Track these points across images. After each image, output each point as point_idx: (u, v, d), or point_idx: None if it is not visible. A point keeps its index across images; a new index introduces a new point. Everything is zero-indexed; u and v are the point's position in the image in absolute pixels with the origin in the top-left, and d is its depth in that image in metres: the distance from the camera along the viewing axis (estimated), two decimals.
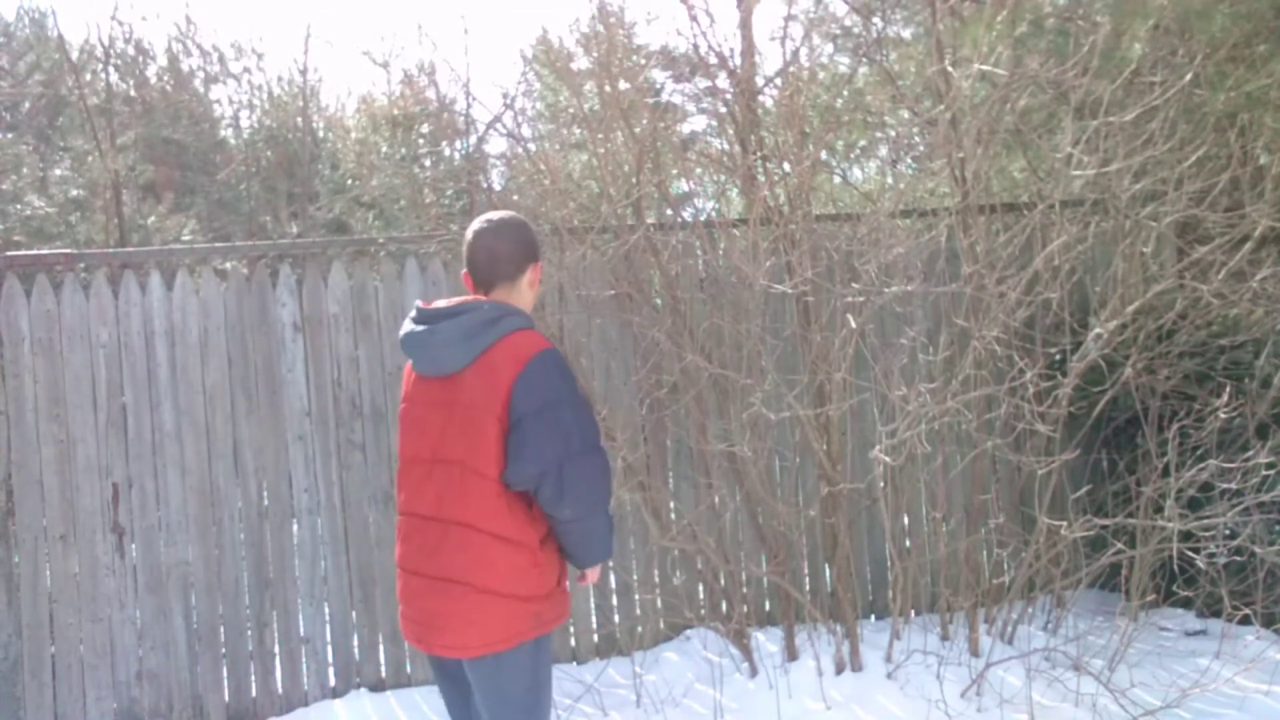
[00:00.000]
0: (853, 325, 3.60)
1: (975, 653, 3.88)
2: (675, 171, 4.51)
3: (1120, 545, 3.58)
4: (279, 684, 4.14)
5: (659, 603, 4.36)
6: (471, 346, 2.25)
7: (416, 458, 2.34)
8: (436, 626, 2.28)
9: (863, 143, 7.56)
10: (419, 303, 2.42)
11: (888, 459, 3.44)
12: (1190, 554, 3.54)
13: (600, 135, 4.22)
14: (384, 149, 10.32)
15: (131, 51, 12.18)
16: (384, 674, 4.23)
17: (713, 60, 4.15)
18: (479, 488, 2.23)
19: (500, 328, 2.26)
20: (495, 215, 2.44)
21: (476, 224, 2.44)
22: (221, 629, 4.11)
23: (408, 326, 2.37)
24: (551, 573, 2.33)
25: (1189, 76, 3.76)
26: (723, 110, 4.33)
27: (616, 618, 4.39)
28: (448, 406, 2.28)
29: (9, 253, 4.26)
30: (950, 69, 3.92)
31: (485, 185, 5.59)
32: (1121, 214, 3.98)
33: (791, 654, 4.00)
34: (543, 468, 2.19)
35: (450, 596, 2.24)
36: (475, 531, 2.23)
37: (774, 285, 3.80)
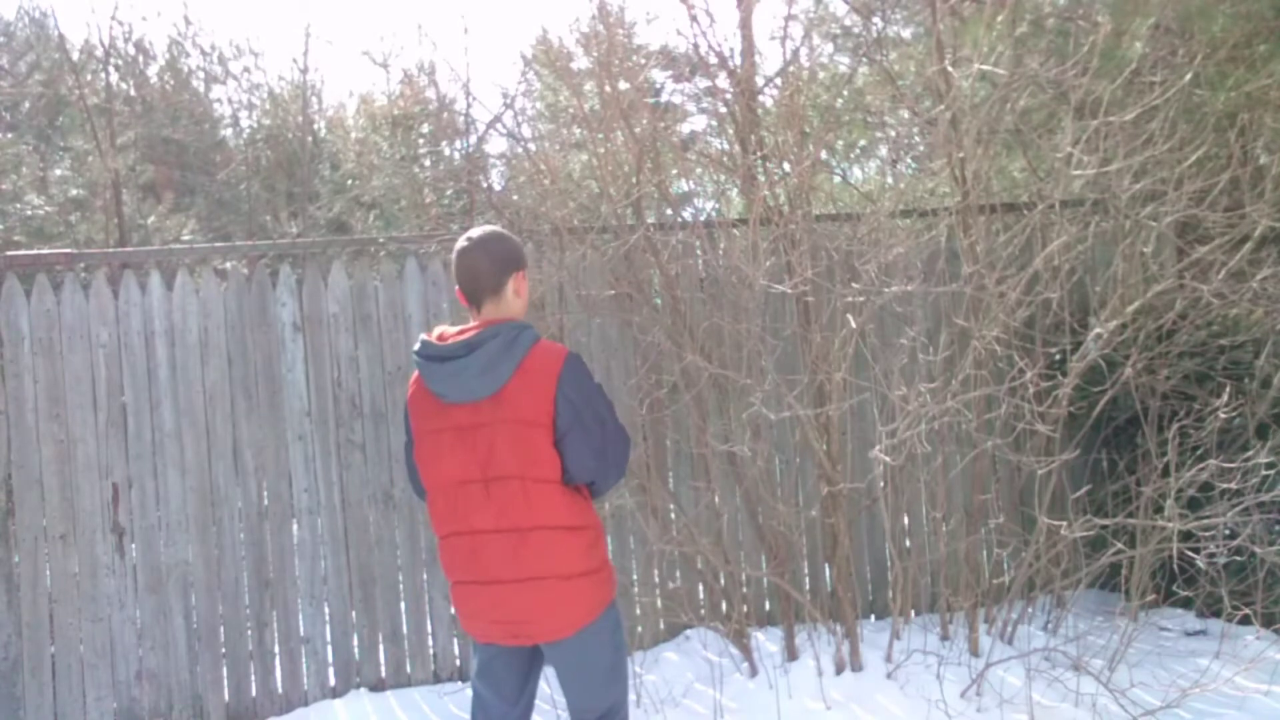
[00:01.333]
0: (853, 325, 3.60)
1: (975, 653, 3.88)
2: (675, 171, 4.51)
3: (1120, 545, 3.58)
4: (279, 684, 4.14)
5: (659, 603, 4.36)
6: (504, 370, 2.41)
7: (465, 480, 2.46)
8: (534, 620, 2.47)
9: (863, 143, 7.56)
10: (424, 336, 2.53)
11: (887, 459, 3.44)
12: (1190, 554, 3.54)
13: (600, 135, 4.21)
14: (384, 149, 10.32)
15: (132, 51, 12.18)
16: (384, 674, 4.23)
17: (713, 60, 4.15)
18: (543, 492, 2.43)
19: (523, 343, 2.43)
20: (475, 232, 2.58)
21: (459, 242, 2.58)
22: (221, 629, 4.11)
23: (426, 364, 2.48)
24: (605, 540, 2.61)
25: (1189, 76, 3.76)
26: (723, 110, 4.33)
27: None
28: (491, 426, 2.42)
29: (9, 253, 4.26)
30: (950, 69, 3.92)
31: (485, 185, 5.59)
32: (1121, 214, 3.98)
33: (791, 654, 4.00)
34: (593, 458, 2.46)
35: (541, 591, 2.44)
36: (550, 530, 2.44)
37: (774, 285, 3.80)
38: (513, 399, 2.40)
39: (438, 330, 2.55)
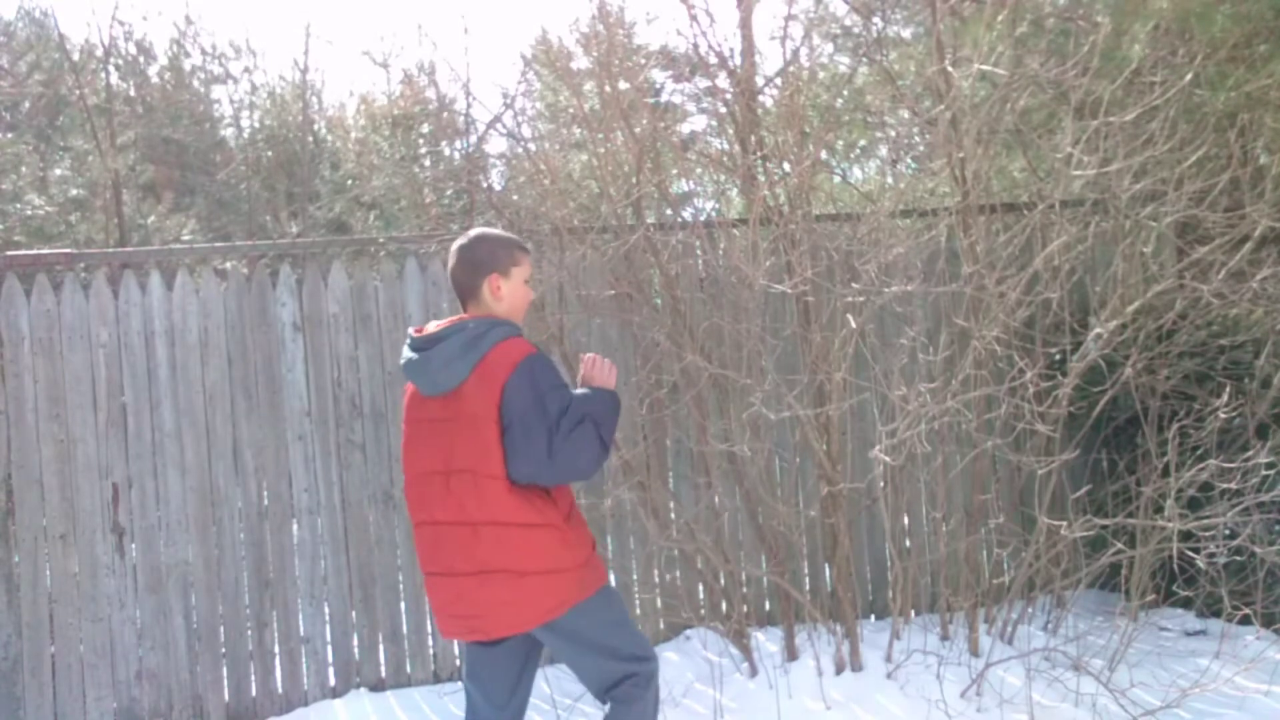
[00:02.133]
0: (853, 325, 3.60)
1: (975, 653, 3.88)
2: (675, 171, 4.51)
3: (1120, 545, 3.58)
4: (279, 684, 4.14)
5: (658, 602, 4.36)
6: (465, 363, 2.48)
7: (432, 470, 2.54)
8: (490, 614, 2.49)
9: (863, 143, 7.56)
10: (411, 330, 2.65)
11: (887, 459, 3.44)
12: (1190, 554, 3.54)
13: (600, 135, 4.21)
14: (384, 149, 10.32)
15: (133, 51, 12.18)
16: (384, 674, 4.23)
17: (713, 60, 4.15)
18: (493, 489, 2.45)
19: (488, 340, 2.49)
20: (462, 237, 2.69)
21: (451, 247, 2.70)
22: (221, 629, 4.11)
23: (406, 354, 2.60)
24: (582, 545, 2.57)
25: (1189, 77, 3.76)
26: (723, 110, 4.33)
27: None
28: (454, 420, 2.50)
29: (9, 252, 4.26)
30: (950, 69, 3.92)
31: (485, 185, 5.59)
32: (1121, 214, 3.98)
33: (791, 654, 4.00)
34: (536, 454, 2.43)
35: (493, 584, 2.46)
36: (503, 526, 2.45)
37: (773, 285, 3.79)
38: (470, 394, 2.47)
39: (426, 326, 2.66)
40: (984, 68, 3.66)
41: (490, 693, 2.65)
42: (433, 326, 2.61)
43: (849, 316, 3.64)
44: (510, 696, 2.65)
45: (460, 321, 2.57)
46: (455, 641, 4.30)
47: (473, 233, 2.69)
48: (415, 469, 2.60)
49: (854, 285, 3.72)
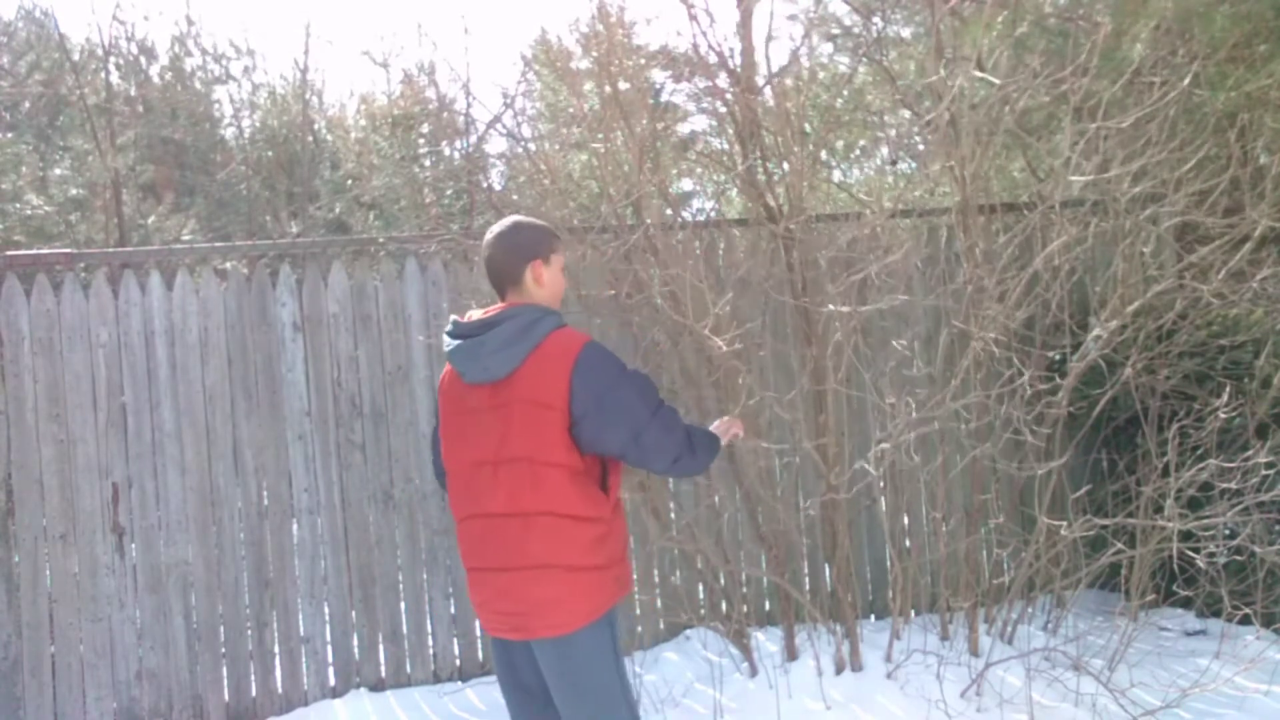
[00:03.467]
0: (847, 329, 3.59)
1: (975, 653, 3.88)
2: (675, 171, 4.51)
3: (1120, 545, 3.58)
4: (279, 684, 4.14)
5: (658, 602, 4.36)
6: (520, 349, 2.41)
7: (481, 460, 2.45)
8: (536, 611, 2.40)
9: (862, 143, 7.56)
10: (455, 317, 2.56)
11: (872, 470, 3.45)
12: (1190, 554, 3.54)
13: (600, 135, 4.21)
14: (384, 149, 10.32)
15: (133, 51, 12.18)
16: (384, 674, 4.23)
17: (713, 60, 4.14)
18: (551, 477, 2.38)
19: (541, 328, 2.42)
20: (498, 224, 2.60)
21: (487, 234, 2.61)
22: (221, 628, 4.11)
23: (450, 342, 2.52)
24: (623, 538, 2.54)
25: (1189, 77, 3.76)
26: (723, 110, 4.33)
27: None
28: (506, 408, 2.41)
29: (9, 252, 4.26)
30: (948, 69, 3.92)
31: (485, 185, 5.59)
32: (1121, 215, 3.98)
33: (791, 654, 4.00)
34: (622, 446, 2.42)
35: (544, 579, 2.39)
36: (556, 517, 2.38)
37: (773, 295, 3.77)
38: (527, 381, 2.39)
39: (469, 313, 2.58)
40: (981, 74, 3.65)
41: (519, 709, 2.58)
42: (478, 313, 2.53)
43: (842, 321, 3.64)
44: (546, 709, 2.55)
45: (511, 308, 2.48)
46: (455, 642, 4.30)
47: (509, 220, 2.60)
48: (461, 460, 2.50)
49: (853, 279, 3.71)
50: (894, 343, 3.83)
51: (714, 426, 2.74)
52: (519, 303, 2.51)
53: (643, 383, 2.48)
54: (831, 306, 3.64)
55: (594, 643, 2.42)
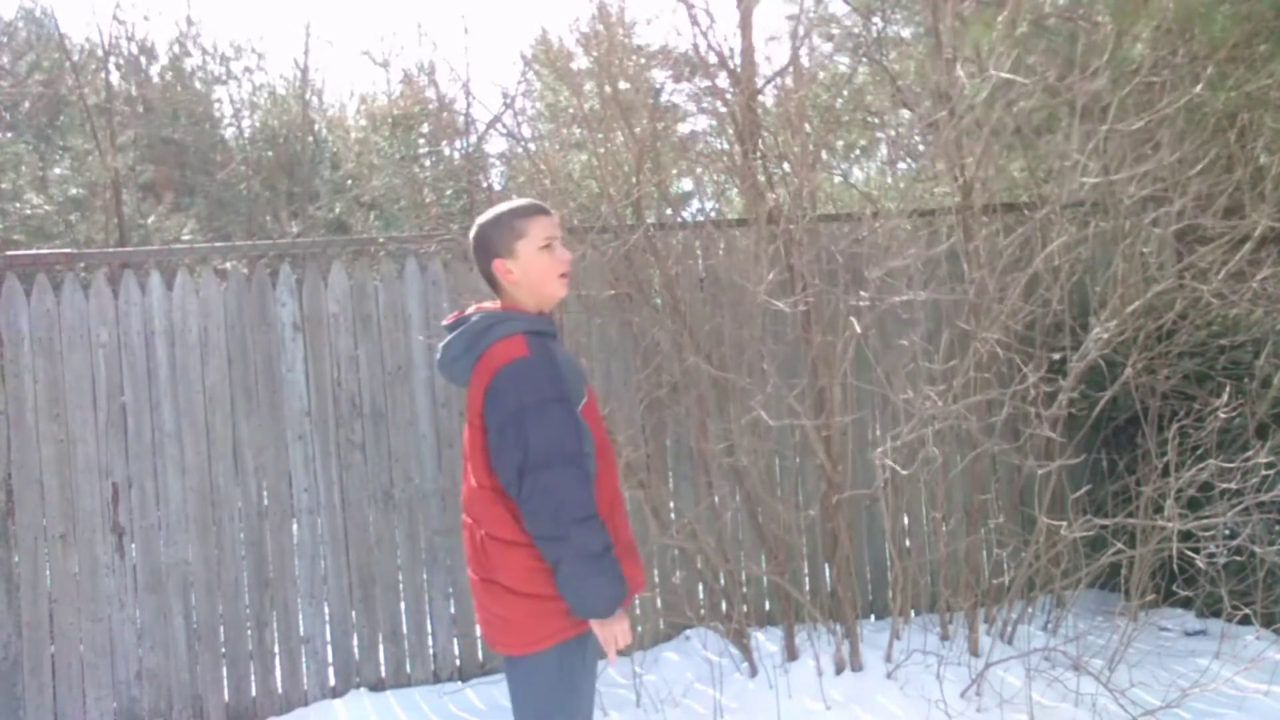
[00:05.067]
0: (857, 329, 3.59)
1: (975, 653, 3.88)
2: (675, 171, 4.51)
3: (1120, 545, 3.58)
4: (279, 684, 4.14)
5: (659, 602, 4.36)
6: (467, 360, 2.30)
7: (466, 469, 2.38)
8: (494, 625, 2.31)
9: (862, 143, 7.56)
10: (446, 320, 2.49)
11: (893, 464, 3.41)
12: (1190, 554, 3.54)
13: (600, 135, 4.21)
14: (384, 149, 10.32)
15: (134, 50, 12.17)
16: (384, 674, 4.23)
17: (713, 60, 4.14)
18: (482, 495, 2.27)
19: (488, 336, 2.27)
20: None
21: None
22: (221, 629, 4.11)
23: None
24: None
25: (1190, 78, 3.76)
26: (723, 110, 4.33)
27: None
28: (469, 416, 2.34)
29: (9, 252, 4.26)
30: (947, 69, 3.92)
31: (485, 185, 5.59)
32: (1123, 217, 3.98)
33: (791, 654, 4.00)
34: (506, 478, 2.19)
35: (493, 594, 2.28)
36: (493, 540, 2.26)
37: (773, 302, 3.74)
38: (470, 391, 2.29)
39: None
40: (980, 78, 3.66)
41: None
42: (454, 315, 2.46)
43: (852, 320, 3.64)
44: None
45: (474, 313, 2.36)
46: (456, 642, 4.31)
47: (477, 220, 2.43)
48: (464, 467, 2.41)
49: (861, 293, 3.71)
50: (901, 341, 3.83)
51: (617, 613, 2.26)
52: (488, 306, 2.40)
53: (556, 425, 2.16)
54: (843, 304, 3.64)
55: (539, 671, 2.25)
